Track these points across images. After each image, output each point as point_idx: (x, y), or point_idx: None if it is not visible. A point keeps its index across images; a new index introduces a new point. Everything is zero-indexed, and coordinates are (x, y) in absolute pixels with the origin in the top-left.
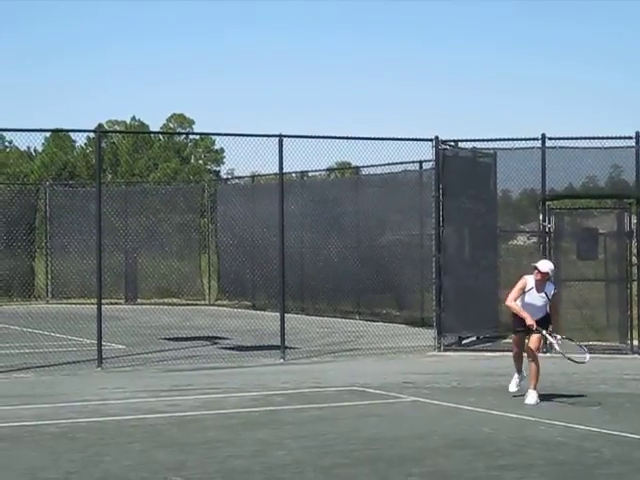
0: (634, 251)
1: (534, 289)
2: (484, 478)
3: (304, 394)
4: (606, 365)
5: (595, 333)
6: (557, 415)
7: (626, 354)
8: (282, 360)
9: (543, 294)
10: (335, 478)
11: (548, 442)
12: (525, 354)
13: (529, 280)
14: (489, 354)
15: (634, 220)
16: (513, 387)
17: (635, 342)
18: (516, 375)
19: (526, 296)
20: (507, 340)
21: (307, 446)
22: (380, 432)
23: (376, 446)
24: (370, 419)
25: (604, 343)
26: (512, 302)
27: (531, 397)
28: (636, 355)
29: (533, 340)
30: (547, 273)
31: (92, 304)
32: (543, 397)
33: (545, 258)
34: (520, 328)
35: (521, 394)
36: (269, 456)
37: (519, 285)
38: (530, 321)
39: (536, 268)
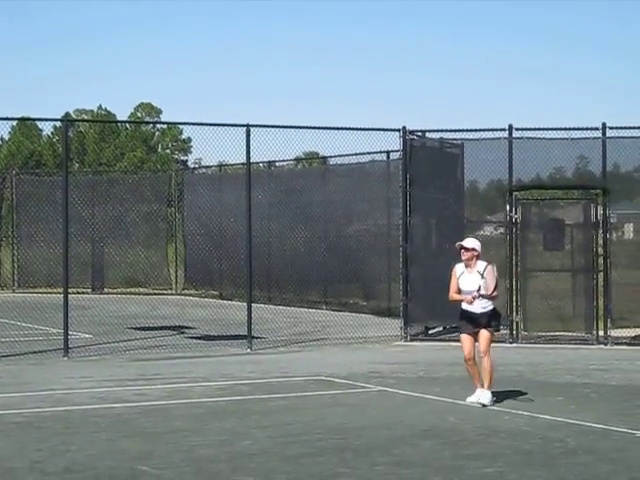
0: (600, 242)
1: (465, 272)
2: (450, 467)
3: (270, 384)
4: (572, 355)
5: (561, 323)
6: (522, 405)
7: (592, 344)
8: (249, 350)
9: (476, 273)
10: (301, 467)
11: (513, 432)
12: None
13: (458, 267)
14: (456, 344)
15: (600, 211)
16: (473, 398)
17: (601, 332)
18: (478, 390)
19: (460, 283)
20: None
21: (273, 436)
22: (346, 422)
23: (342, 436)
24: (336, 409)
25: (570, 333)
26: (452, 294)
27: (485, 397)
28: (602, 345)
29: (482, 342)
30: (474, 249)
31: (58, 293)
32: (510, 387)
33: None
34: (469, 327)
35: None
36: (235, 445)
37: (452, 275)
38: (467, 297)
39: (461, 247)
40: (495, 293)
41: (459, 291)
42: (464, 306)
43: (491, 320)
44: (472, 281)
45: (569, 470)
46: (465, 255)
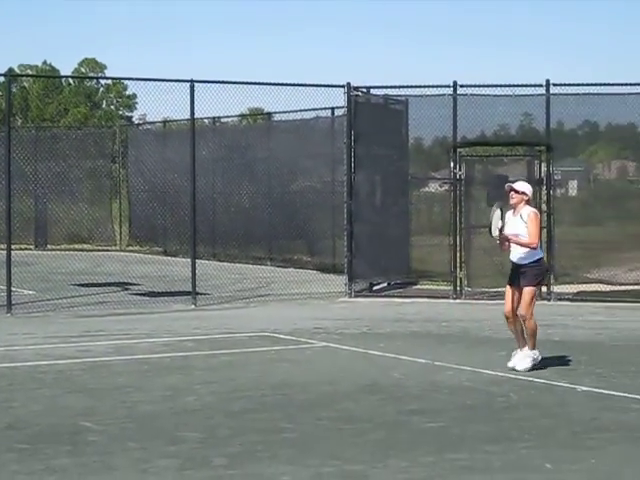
0: (544, 198)
1: (510, 215)
2: (393, 422)
3: (215, 340)
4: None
5: (505, 279)
6: (465, 360)
7: (535, 300)
8: (193, 306)
9: (518, 218)
10: (245, 423)
11: (456, 387)
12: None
13: (508, 212)
14: (399, 300)
15: (544, 168)
16: (510, 363)
17: (544, 288)
18: (516, 353)
19: (506, 227)
20: (418, 286)
21: (217, 391)
22: (290, 377)
23: (286, 391)
24: (281, 364)
25: None
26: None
27: (522, 362)
28: (545, 301)
29: (521, 302)
30: (524, 192)
31: (1, 249)
32: (454, 342)
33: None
34: (511, 278)
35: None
36: (179, 401)
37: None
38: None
39: (511, 188)
40: (529, 241)
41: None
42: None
43: (532, 274)
44: (513, 225)
45: (511, 424)
46: (514, 198)
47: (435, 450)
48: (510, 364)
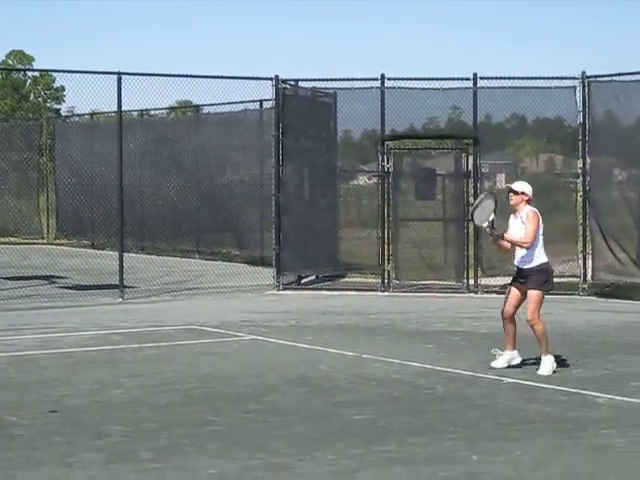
0: (471, 191)
1: (512, 218)
2: (320, 414)
3: (142, 333)
4: (443, 304)
5: (433, 272)
6: (393, 353)
7: (462, 293)
8: (121, 299)
9: (519, 220)
10: (172, 416)
11: (384, 379)
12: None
13: (511, 217)
14: (328, 293)
15: (472, 161)
16: (496, 363)
17: (471, 281)
18: (505, 352)
19: (510, 232)
20: (346, 279)
21: (144, 385)
22: (218, 370)
23: (214, 384)
24: (208, 357)
25: (441, 282)
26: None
27: (544, 366)
28: (472, 294)
29: (528, 306)
30: (523, 192)
31: None
32: (381, 335)
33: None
34: (515, 280)
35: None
36: (105, 395)
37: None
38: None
39: (510, 189)
40: (523, 240)
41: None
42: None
43: (537, 278)
44: (515, 229)
45: (438, 416)
46: (513, 199)
47: (362, 442)
48: (493, 363)
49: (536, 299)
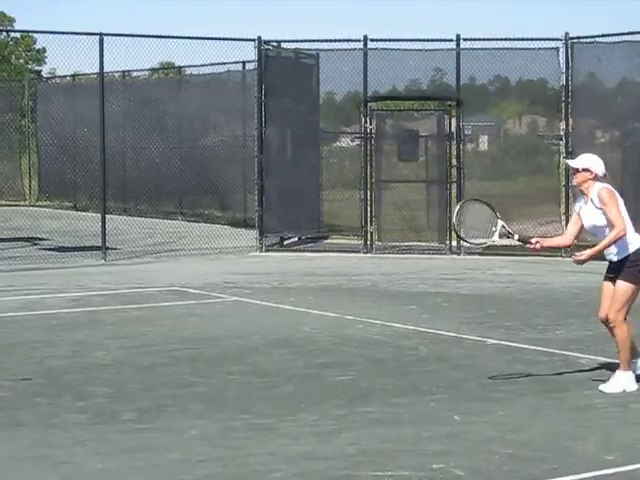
0: (454, 153)
1: (582, 203)
2: (303, 376)
3: (124, 294)
4: (425, 265)
5: (415, 234)
6: (376, 314)
7: (445, 254)
8: (103, 261)
9: (590, 204)
10: (154, 377)
11: (366, 340)
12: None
13: (577, 202)
14: (310, 254)
15: (455, 123)
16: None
17: (454, 243)
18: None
19: (582, 219)
20: (328, 241)
21: (126, 346)
22: (200, 332)
23: (196, 345)
24: (191, 319)
25: (424, 244)
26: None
27: (611, 384)
28: (454, 255)
29: (612, 304)
30: (586, 170)
31: None
32: (363, 296)
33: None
34: (608, 273)
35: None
36: (88, 356)
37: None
38: (536, 244)
39: (572, 168)
40: (614, 233)
41: (579, 230)
42: None
43: (631, 268)
44: (588, 216)
45: (420, 377)
46: (575, 178)
47: (345, 403)
48: (602, 387)
49: (624, 294)
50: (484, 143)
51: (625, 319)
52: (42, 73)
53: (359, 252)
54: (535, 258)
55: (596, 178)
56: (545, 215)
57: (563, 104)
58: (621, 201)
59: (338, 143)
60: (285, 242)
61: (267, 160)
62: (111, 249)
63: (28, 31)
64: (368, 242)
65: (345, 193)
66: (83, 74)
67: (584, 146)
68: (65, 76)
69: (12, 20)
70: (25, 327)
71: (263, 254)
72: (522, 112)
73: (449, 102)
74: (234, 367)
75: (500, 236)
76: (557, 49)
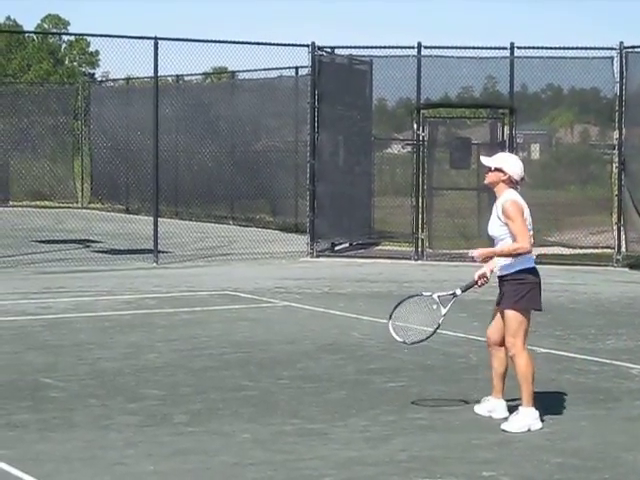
0: None
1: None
2: (354, 382)
3: (176, 298)
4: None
5: (466, 241)
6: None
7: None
8: (155, 264)
9: (495, 212)
10: (206, 380)
11: (416, 347)
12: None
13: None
14: (361, 260)
15: (507, 131)
16: (479, 409)
17: None
18: (490, 398)
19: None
20: (379, 247)
21: (178, 349)
22: (251, 336)
23: (247, 349)
24: (242, 323)
25: None
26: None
27: (513, 422)
28: None
29: (506, 332)
30: (497, 169)
31: None
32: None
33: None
34: (498, 296)
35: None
36: (140, 358)
37: None
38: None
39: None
40: (511, 248)
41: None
42: None
43: (512, 290)
44: (492, 222)
45: (470, 385)
46: (487, 177)
47: (395, 409)
48: (476, 408)
49: (515, 321)
50: (536, 151)
51: (523, 348)
52: (95, 76)
53: (410, 259)
54: (586, 268)
55: (510, 181)
56: (597, 225)
57: (616, 113)
58: (527, 213)
59: (390, 150)
60: (336, 248)
61: (319, 166)
62: (163, 252)
63: (83, 34)
64: (419, 249)
65: (396, 200)
66: (137, 77)
67: (637, 156)
68: (118, 79)
69: (67, 23)
70: (77, 329)
71: (314, 259)
72: (574, 121)
73: (501, 110)
74: (284, 372)
75: (444, 305)
76: (611, 58)
